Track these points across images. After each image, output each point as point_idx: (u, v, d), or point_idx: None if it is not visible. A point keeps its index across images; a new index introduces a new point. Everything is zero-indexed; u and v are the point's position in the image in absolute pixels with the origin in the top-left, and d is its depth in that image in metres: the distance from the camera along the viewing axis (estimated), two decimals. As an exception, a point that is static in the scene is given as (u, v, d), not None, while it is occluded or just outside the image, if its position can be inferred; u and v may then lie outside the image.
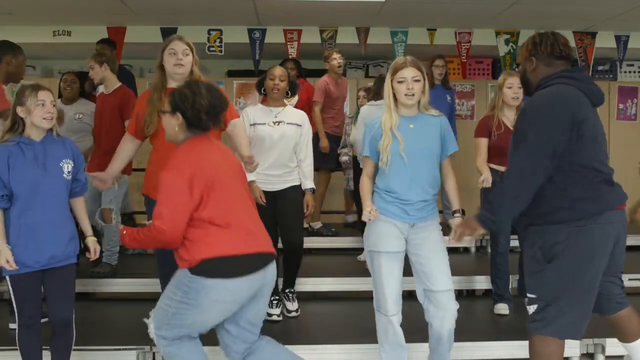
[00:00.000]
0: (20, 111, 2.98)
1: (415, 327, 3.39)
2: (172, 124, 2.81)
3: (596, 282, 2.73)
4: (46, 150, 3.04)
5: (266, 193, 3.93)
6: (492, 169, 4.14)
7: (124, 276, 4.57)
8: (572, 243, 2.67)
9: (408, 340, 3.23)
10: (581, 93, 2.74)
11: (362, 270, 4.39)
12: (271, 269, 2.82)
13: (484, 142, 4.18)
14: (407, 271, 3.25)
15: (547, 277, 2.71)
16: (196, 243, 2.67)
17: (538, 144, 2.66)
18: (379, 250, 3.13)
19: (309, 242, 5.50)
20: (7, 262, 2.92)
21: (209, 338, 2.90)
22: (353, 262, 5.18)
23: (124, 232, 2.82)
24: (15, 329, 3.07)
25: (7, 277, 3.01)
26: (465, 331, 3.63)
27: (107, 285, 4.50)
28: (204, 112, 2.75)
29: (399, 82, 3.09)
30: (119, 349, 3.49)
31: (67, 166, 3.09)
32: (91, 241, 3.18)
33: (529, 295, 2.82)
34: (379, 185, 3.19)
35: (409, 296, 3.96)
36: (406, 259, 3.25)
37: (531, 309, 2.79)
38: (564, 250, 2.68)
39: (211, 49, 6.59)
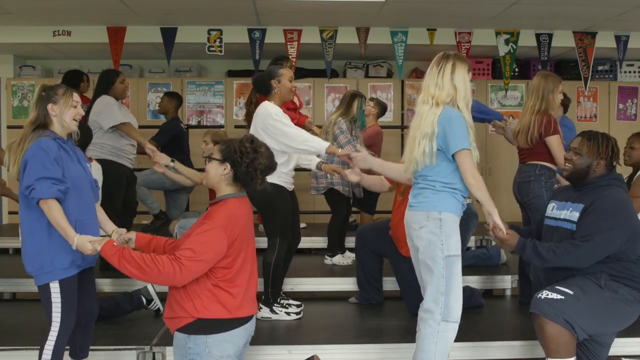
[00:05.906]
0: (51, 109, 2.89)
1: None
2: (218, 172, 2.74)
3: None
4: (74, 150, 3.01)
5: (290, 193, 3.97)
6: (550, 168, 4.06)
7: (122, 275, 4.55)
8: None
9: (409, 340, 3.23)
10: None
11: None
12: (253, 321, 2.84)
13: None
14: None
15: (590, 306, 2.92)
16: (198, 300, 2.64)
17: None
18: (459, 254, 2.98)
19: (316, 243, 5.51)
20: (90, 242, 2.71)
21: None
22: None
23: (118, 251, 2.60)
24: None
25: (53, 284, 2.84)
26: (466, 331, 3.64)
27: (107, 285, 4.49)
28: (260, 171, 2.73)
29: None
30: (119, 349, 3.48)
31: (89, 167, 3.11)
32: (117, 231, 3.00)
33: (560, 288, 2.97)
34: (454, 186, 2.98)
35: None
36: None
37: (552, 295, 2.93)
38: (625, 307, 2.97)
39: (211, 49, 6.58)
